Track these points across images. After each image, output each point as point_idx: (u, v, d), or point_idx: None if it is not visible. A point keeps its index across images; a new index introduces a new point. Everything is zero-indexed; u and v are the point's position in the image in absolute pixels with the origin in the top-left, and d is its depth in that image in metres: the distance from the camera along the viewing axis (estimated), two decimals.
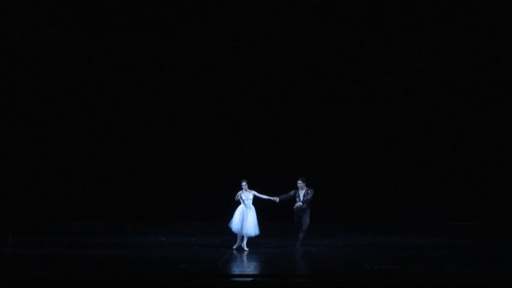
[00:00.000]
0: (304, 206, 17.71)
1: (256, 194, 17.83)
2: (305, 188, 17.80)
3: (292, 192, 17.87)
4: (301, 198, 17.75)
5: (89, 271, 14.56)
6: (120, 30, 23.16)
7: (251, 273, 15.04)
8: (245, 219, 17.66)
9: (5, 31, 20.41)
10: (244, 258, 16.87)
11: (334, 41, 23.15)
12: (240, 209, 17.81)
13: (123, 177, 23.53)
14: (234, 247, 17.77)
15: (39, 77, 22.45)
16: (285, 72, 23.45)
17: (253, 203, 17.83)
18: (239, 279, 14.39)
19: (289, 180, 18.35)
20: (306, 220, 17.77)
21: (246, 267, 15.76)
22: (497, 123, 22.60)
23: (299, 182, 17.87)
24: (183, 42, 23.35)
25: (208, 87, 23.57)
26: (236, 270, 15.44)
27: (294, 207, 17.79)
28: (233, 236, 18.01)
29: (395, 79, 23.25)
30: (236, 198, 17.78)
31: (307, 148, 23.38)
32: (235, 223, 17.72)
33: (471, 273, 14.50)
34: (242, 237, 17.81)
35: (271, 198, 17.87)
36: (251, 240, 17.96)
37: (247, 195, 17.76)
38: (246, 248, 17.67)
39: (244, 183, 17.78)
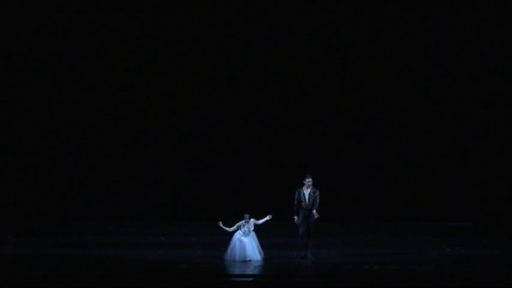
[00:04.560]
0: (316, 216, 16.10)
1: (255, 221, 16.12)
2: (311, 188, 16.13)
3: (296, 194, 16.13)
4: (307, 198, 16.02)
5: (89, 271, 14.55)
6: (119, 30, 23.21)
7: (251, 273, 15.02)
8: (247, 244, 16.03)
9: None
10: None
11: (339, 39, 23.20)
12: (237, 237, 16.15)
13: (123, 177, 23.52)
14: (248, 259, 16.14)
15: (39, 76, 22.46)
16: (285, 73, 23.47)
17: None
18: (239, 279, 14.38)
19: (289, 179, 18.26)
20: (313, 223, 16.21)
21: (246, 267, 15.73)
22: (497, 123, 22.61)
23: (308, 179, 16.09)
24: (183, 41, 23.35)
25: (208, 86, 23.56)
26: (236, 270, 15.42)
27: (314, 215, 16.09)
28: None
29: (396, 79, 23.24)
30: (234, 228, 16.17)
31: (307, 148, 23.36)
32: (237, 252, 16.05)
33: (471, 273, 14.49)
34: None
35: (267, 217, 16.15)
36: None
37: (250, 228, 16.10)
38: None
39: (246, 216, 16.14)
